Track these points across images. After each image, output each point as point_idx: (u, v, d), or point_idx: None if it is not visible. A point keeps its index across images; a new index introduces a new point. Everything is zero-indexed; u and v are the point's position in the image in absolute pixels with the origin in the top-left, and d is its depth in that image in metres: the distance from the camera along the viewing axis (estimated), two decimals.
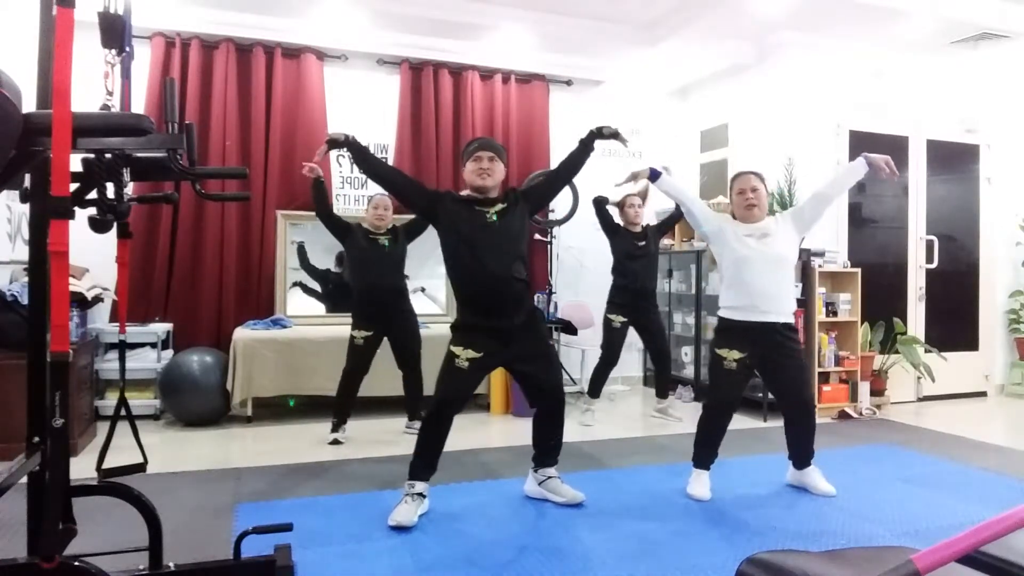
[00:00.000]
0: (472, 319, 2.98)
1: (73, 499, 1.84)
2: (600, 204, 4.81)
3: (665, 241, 6.11)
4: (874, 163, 3.30)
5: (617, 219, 4.87)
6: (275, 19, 5.24)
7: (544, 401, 3.13)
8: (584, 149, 3.21)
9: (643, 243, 4.80)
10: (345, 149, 3.05)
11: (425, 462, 2.96)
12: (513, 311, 2.97)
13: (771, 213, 3.47)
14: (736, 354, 3.23)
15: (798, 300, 5.07)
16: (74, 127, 1.42)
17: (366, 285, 4.18)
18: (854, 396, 5.26)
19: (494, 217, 2.98)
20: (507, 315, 2.96)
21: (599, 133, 3.20)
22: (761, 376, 3.40)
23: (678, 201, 3.44)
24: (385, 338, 4.25)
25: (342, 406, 4.26)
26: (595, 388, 4.91)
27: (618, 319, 4.79)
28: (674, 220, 4.96)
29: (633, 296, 4.78)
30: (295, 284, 5.39)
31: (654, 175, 3.32)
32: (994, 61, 5.74)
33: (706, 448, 3.33)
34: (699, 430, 3.36)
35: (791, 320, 3.29)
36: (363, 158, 3.04)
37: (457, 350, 2.94)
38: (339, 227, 4.23)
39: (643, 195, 4.87)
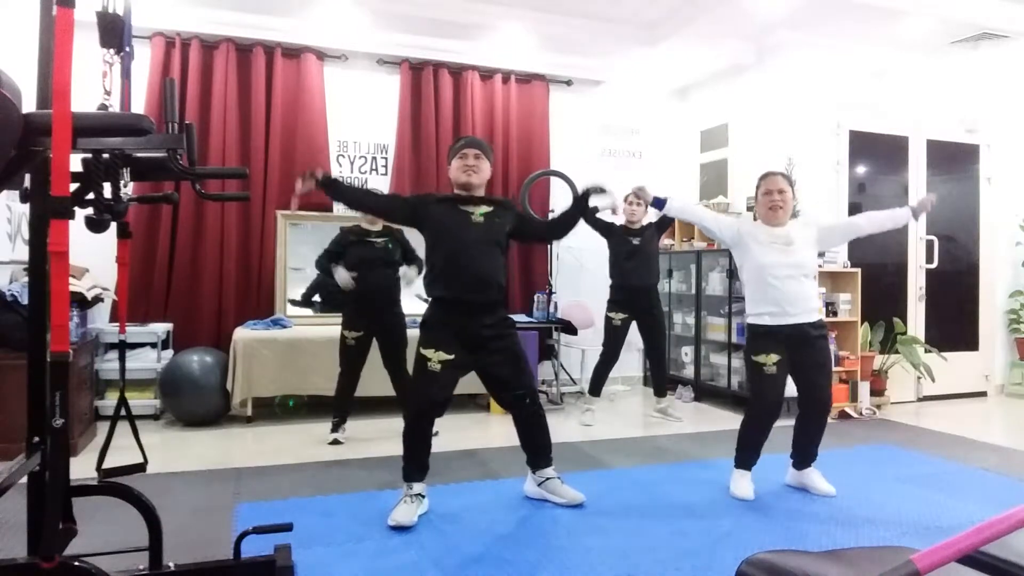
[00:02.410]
0: (444, 316, 2.94)
1: (73, 499, 1.84)
2: (591, 214, 4.81)
3: (665, 241, 6.12)
4: (920, 209, 3.36)
5: (612, 218, 4.88)
6: (275, 19, 5.24)
7: (517, 405, 3.07)
8: (576, 215, 3.17)
9: (638, 240, 4.81)
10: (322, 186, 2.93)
11: (416, 465, 2.94)
12: (487, 313, 2.96)
13: (794, 215, 3.46)
14: (774, 357, 3.22)
15: None
16: (74, 127, 1.42)
17: (363, 286, 4.19)
18: (854, 396, 5.26)
19: (480, 217, 2.97)
20: (480, 317, 2.94)
21: (587, 194, 3.15)
22: (789, 372, 3.39)
23: (691, 221, 3.43)
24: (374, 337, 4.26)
25: (341, 406, 4.27)
26: (595, 386, 4.91)
27: (618, 317, 4.80)
28: (670, 221, 4.97)
29: (631, 293, 4.79)
30: (292, 302, 5.38)
31: (658, 203, 3.30)
32: (994, 61, 5.73)
33: (750, 451, 3.31)
34: (745, 435, 3.32)
35: (819, 317, 3.29)
36: (339, 193, 2.99)
37: (428, 352, 2.89)
38: (340, 249, 4.25)
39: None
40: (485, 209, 2.99)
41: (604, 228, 4.85)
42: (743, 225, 3.38)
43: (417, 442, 2.93)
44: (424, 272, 3.09)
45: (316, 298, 5.46)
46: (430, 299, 3.04)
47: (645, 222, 4.92)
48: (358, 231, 4.25)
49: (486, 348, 2.97)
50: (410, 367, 4.27)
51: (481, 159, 3.02)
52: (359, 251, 4.21)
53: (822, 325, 3.30)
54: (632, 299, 4.80)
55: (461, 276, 2.90)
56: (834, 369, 5.18)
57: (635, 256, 4.79)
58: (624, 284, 4.79)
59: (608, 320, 4.84)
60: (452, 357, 2.89)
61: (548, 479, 3.17)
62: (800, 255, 3.23)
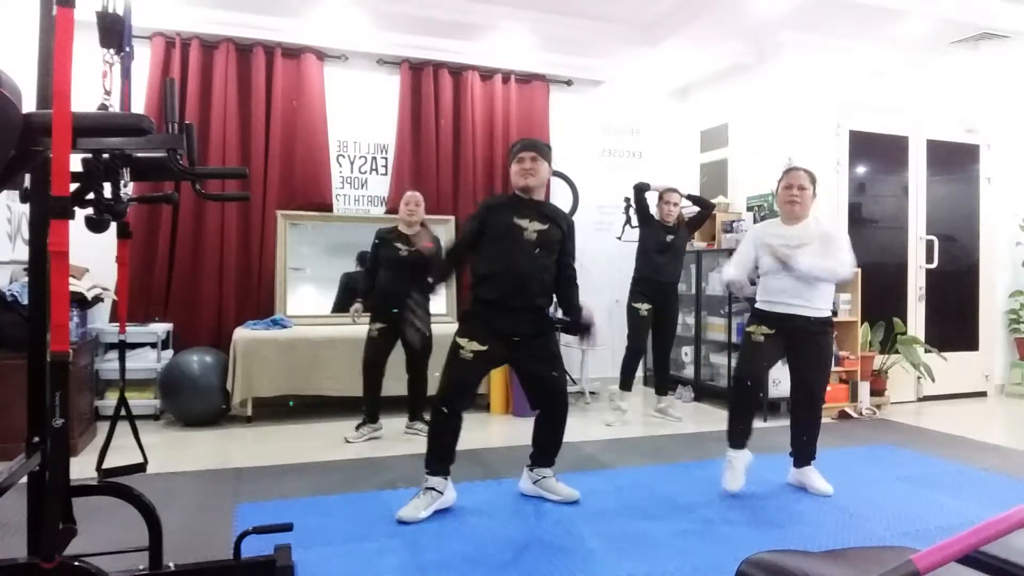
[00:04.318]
0: (484, 311, 3.03)
1: (73, 499, 1.84)
2: (641, 190, 4.87)
3: None
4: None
5: (652, 209, 4.91)
6: (275, 19, 5.24)
7: (548, 403, 3.16)
8: (570, 324, 3.30)
9: (671, 237, 4.86)
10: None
11: (437, 454, 2.99)
12: (529, 313, 3.06)
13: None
14: (764, 329, 3.29)
15: None
16: (74, 127, 1.42)
17: (392, 289, 4.20)
18: (854, 396, 5.26)
19: (532, 235, 3.05)
20: (521, 315, 3.04)
21: (579, 319, 3.30)
22: (787, 359, 3.42)
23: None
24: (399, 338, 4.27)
25: (371, 403, 4.28)
26: (626, 380, 4.90)
27: (644, 307, 4.82)
28: (704, 218, 5.10)
29: (657, 287, 4.83)
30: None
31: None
32: (994, 61, 5.74)
33: (736, 424, 3.33)
34: (729, 405, 3.40)
35: (823, 315, 3.30)
36: (443, 278, 3.20)
37: (462, 341, 2.99)
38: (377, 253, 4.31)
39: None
40: (539, 227, 3.07)
41: (645, 216, 4.88)
42: (756, 233, 3.46)
43: (440, 431, 2.98)
44: (473, 271, 3.19)
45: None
46: (474, 296, 3.11)
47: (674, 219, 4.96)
48: (396, 234, 4.28)
49: (523, 344, 3.06)
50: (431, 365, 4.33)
51: (538, 160, 3.11)
52: (395, 261, 4.24)
53: (826, 322, 3.32)
54: (657, 292, 4.83)
55: (507, 283, 3.00)
56: (834, 369, 5.19)
57: (667, 251, 4.83)
58: (652, 277, 4.82)
59: (634, 310, 4.84)
60: (485, 348, 2.97)
61: (544, 478, 3.21)
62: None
